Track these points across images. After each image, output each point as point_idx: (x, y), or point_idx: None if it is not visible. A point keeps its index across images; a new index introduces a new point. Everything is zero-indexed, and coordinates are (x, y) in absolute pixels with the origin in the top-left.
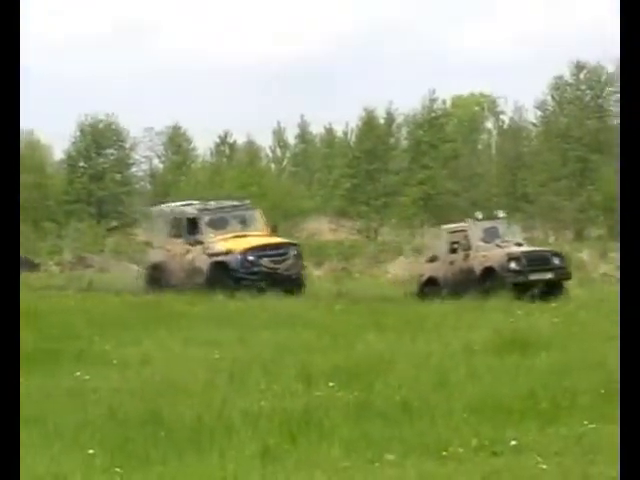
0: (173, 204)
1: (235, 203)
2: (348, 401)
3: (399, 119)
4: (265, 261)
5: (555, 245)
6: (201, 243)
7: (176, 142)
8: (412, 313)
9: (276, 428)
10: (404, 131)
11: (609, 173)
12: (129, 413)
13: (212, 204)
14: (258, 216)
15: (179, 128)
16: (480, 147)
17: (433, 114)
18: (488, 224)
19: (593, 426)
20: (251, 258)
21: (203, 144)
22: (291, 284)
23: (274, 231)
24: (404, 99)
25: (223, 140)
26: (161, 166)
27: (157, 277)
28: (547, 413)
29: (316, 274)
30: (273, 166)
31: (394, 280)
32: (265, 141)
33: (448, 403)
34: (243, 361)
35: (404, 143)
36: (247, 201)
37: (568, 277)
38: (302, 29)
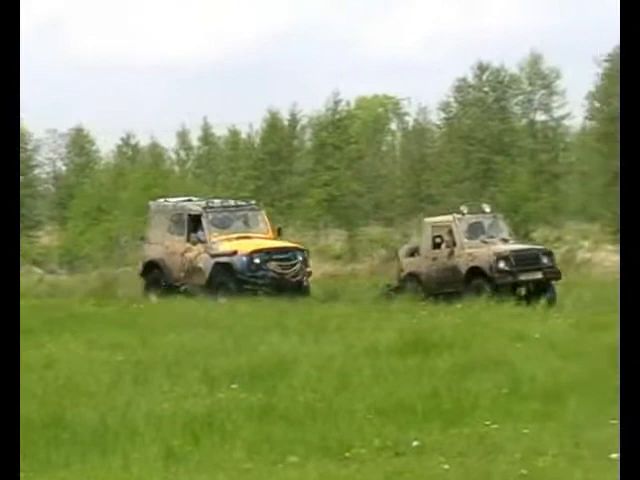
0: (173, 199)
1: (240, 203)
2: (251, 403)
3: (303, 121)
4: (273, 265)
5: None
6: (203, 242)
7: (79, 144)
8: (316, 314)
9: (179, 430)
10: (308, 133)
11: (512, 174)
12: (31, 416)
13: (217, 202)
14: (263, 217)
15: (82, 130)
16: (384, 148)
17: (337, 116)
18: (473, 219)
19: (495, 426)
20: (257, 261)
21: (106, 146)
22: (296, 290)
23: (279, 234)
24: (309, 101)
25: (126, 142)
26: (64, 168)
27: (153, 274)
28: (450, 413)
29: None
30: (177, 168)
31: None
32: (169, 143)
33: (351, 404)
34: (147, 363)
35: (308, 145)
36: (252, 201)
37: (558, 277)
38: (208, 31)
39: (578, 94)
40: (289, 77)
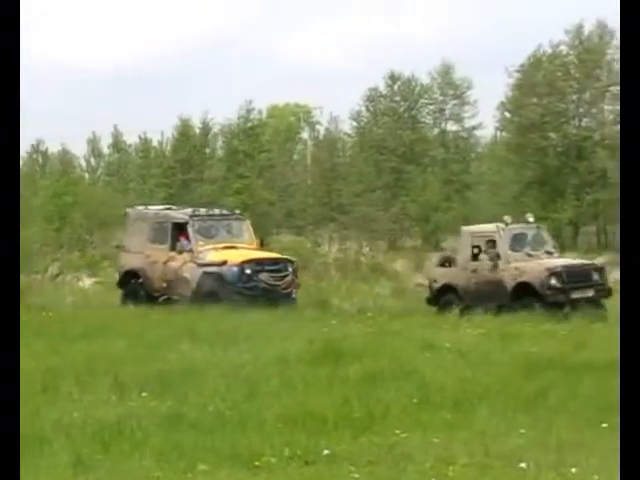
0: (153, 207)
1: (224, 212)
2: (161, 411)
3: (215, 129)
4: (265, 276)
5: (369, 255)
6: (190, 251)
7: None
8: (227, 323)
9: (89, 438)
10: (220, 141)
11: (423, 184)
12: None
13: (202, 210)
14: (247, 227)
15: None
16: (296, 157)
17: (249, 124)
18: (517, 229)
19: (405, 435)
20: (249, 272)
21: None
22: (286, 302)
23: (262, 244)
24: (222, 109)
25: (36, 149)
26: None
27: (131, 285)
28: (360, 422)
29: None
30: (87, 175)
31: None
32: (80, 150)
33: (261, 413)
34: (56, 371)
35: (220, 152)
36: (237, 211)
37: (608, 294)
38: (122, 38)
39: (489, 104)
40: (202, 86)
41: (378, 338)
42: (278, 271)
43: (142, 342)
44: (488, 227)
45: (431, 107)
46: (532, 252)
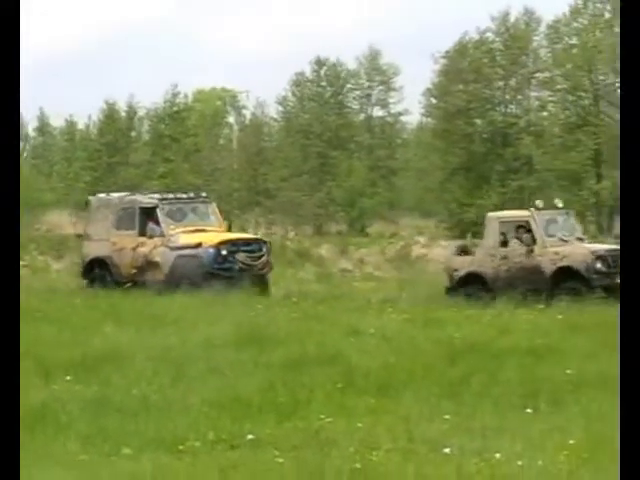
0: (115, 194)
1: (191, 195)
2: (85, 395)
3: (141, 112)
4: (242, 256)
5: (295, 240)
6: (160, 235)
7: None
8: (153, 306)
9: None
10: (146, 125)
11: (349, 169)
12: None
13: (169, 195)
14: (214, 209)
15: None
16: (222, 142)
17: (175, 108)
18: (549, 215)
19: (330, 420)
20: (224, 253)
21: None
22: (260, 282)
23: (230, 228)
24: (148, 93)
25: None
26: None
27: (98, 273)
28: (285, 407)
29: (55, 267)
30: None
31: None
32: None
33: (186, 397)
34: None
35: (146, 136)
36: (203, 193)
37: None
38: (49, 20)
39: (415, 90)
40: (128, 69)
41: (303, 323)
42: (253, 251)
43: (68, 326)
44: (519, 213)
45: (357, 92)
46: (565, 237)
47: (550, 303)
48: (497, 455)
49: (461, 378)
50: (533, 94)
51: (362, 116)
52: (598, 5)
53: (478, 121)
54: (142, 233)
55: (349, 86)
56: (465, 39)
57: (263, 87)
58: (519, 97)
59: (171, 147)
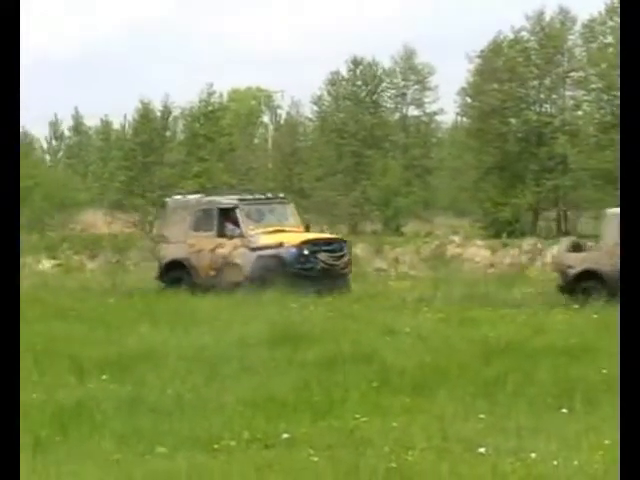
0: (192, 195)
1: (269, 195)
2: (120, 394)
3: (176, 112)
4: (324, 256)
5: None
6: (239, 236)
7: None
8: (186, 306)
9: (47, 420)
10: (181, 124)
11: (384, 168)
12: None
13: (248, 195)
14: (292, 211)
15: None
16: (257, 141)
17: (210, 107)
18: None
19: (365, 419)
20: (306, 252)
21: None
22: (342, 282)
23: (308, 229)
24: (183, 92)
25: None
26: None
27: (176, 275)
28: (320, 406)
29: (90, 267)
30: (48, 157)
31: None
32: (41, 132)
33: (220, 396)
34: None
35: (180, 136)
36: (281, 194)
37: None
38: (84, 20)
39: (450, 90)
40: (165, 69)
41: (338, 322)
42: (334, 251)
43: (103, 325)
44: None
45: (392, 92)
46: None
47: None
48: (532, 455)
49: (496, 378)
50: (568, 93)
51: (397, 115)
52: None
53: (513, 120)
54: (221, 234)
55: (384, 85)
56: (500, 38)
57: (298, 86)
58: (554, 96)
59: (206, 146)
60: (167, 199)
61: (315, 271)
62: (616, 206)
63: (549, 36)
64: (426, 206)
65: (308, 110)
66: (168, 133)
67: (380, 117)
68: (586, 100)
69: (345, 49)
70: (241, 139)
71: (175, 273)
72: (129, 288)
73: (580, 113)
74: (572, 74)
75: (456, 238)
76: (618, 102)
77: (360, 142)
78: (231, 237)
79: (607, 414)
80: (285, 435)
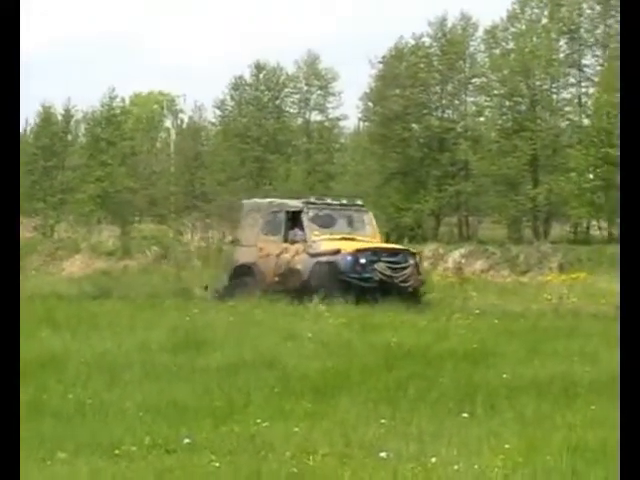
0: (268, 199)
1: (344, 201)
2: (20, 399)
3: (78, 116)
4: (381, 266)
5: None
6: (303, 241)
7: None
8: (87, 311)
9: None
10: (82, 128)
11: (286, 173)
12: None
13: (317, 199)
14: (370, 219)
15: None
16: (159, 145)
17: (112, 112)
18: None
19: (266, 424)
20: (363, 261)
21: None
22: (407, 296)
23: (387, 240)
24: (86, 97)
25: None
26: None
27: (243, 280)
28: (222, 411)
29: None
30: None
31: (70, 277)
32: None
33: (122, 402)
34: None
35: (82, 140)
36: (358, 201)
37: None
38: None
39: (353, 95)
40: (66, 74)
41: (240, 327)
42: (396, 262)
43: None
44: None
45: (296, 97)
46: None
47: None
48: (433, 459)
49: (398, 383)
50: (470, 99)
51: (300, 120)
52: (535, 10)
53: (415, 126)
54: (286, 239)
55: (287, 90)
56: (402, 44)
57: (201, 91)
58: (456, 102)
59: (107, 150)
60: (244, 200)
61: (372, 281)
62: (517, 212)
63: (451, 42)
64: None
65: (211, 114)
66: (70, 137)
67: (283, 122)
68: (488, 106)
69: (249, 54)
70: (143, 143)
71: (242, 277)
72: (29, 294)
73: (482, 119)
74: (474, 80)
75: None
76: (520, 108)
77: (263, 147)
78: (294, 242)
79: (508, 418)
80: (186, 440)
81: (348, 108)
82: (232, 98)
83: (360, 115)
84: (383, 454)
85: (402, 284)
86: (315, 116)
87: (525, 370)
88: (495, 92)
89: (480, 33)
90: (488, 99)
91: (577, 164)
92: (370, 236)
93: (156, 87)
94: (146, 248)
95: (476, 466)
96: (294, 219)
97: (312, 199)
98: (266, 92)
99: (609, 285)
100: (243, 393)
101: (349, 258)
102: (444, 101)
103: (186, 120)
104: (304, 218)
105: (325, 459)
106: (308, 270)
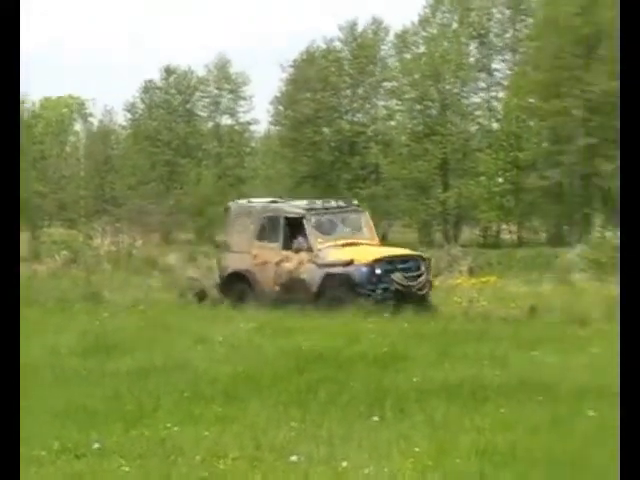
0: (257, 199)
1: (341, 203)
2: None
3: None
4: (398, 276)
5: (143, 249)
6: (308, 250)
7: None
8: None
9: None
10: None
11: (197, 177)
12: None
13: (318, 203)
14: (367, 220)
15: None
16: (68, 149)
17: (22, 116)
18: None
19: (176, 428)
20: (379, 272)
21: None
22: (420, 305)
23: (384, 239)
24: None
25: None
26: None
27: (237, 289)
28: (132, 415)
29: None
30: None
31: None
32: None
33: (31, 406)
34: None
35: None
36: (355, 202)
37: None
38: None
39: (264, 99)
40: None
41: (150, 331)
42: (410, 269)
43: None
44: None
45: (206, 100)
46: None
47: None
48: (344, 463)
49: (309, 387)
50: (381, 103)
51: (211, 124)
52: (446, 15)
53: (326, 130)
54: (287, 246)
55: (198, 94)
56: (313, 48)
57: (112, 95)
58: (367, 106)
59: None
60: (230, 203)
61: (388, 292)
62: (427, 215)
63: (362, 46)
64: None
65: (121, 118)
66: None
67: (194, 126)
68: (399, 110)
69: (159, 57)
70: (53, 147)
71: (237, 286)
72: None
73: (393, 123)
74: (385, 84)
75: None
76: (430, 112)
77: (173, 151)
78: (297, 250)
79: (417, 422)
80: (96, 445)
81: (259, 112)
82: (143, 101)
83: (271, 119)
84: (294, 458)
85: (419, 292)
86: (226, 120)
87: (435, 373)
88: (406, 96)
89: (391, 37)
90: (399, 103)
91: (487, 168)
92: (368, 238)
93: (66, 91)
94: (56, 252)
95: (386, 469)
96: (294, 225)
97: (312, 204)
98: (177, 95)
99: (519, 289)
100: (153, 397)
101: (364, 270)
102: (355, 105)
103: (96, 124)
104: (306, 225)
105: (235, 463)
106: (317, 281)
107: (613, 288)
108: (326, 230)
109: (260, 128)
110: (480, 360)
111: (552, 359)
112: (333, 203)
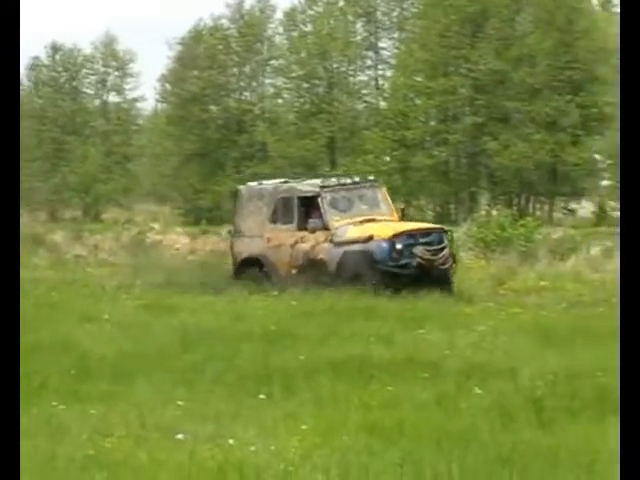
0: (267, 181)
1: (356, 179)
2: None
3: None
4: (420, 250)
5: (29, 226)
6: (325, 229)
7: None
8: None
9: None
10: None
11: (83, 155)
12: None
13: (332, 180)
14: (384, 196)
15: None
16: None
17: None
18: None
19: (63, 407)
20: (400, 247)
21: None
22: (442, 280)
23: (403, 215)
24: None
25: None
26: None
27: (252, 273)
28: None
29: None
30: None
31: None
32: None
33: None
34: None
35: None
36: (371, 177)
37: None
38: None
39: (151, 77)
40: None
41: (35, 309)
42: (432, 243)
43: None
44: None
45: (93, 78)
46: None
47: None
48: (230, 441)
49: (195, 365)
50: (268, 81)
51: (97, 102)
52: None
53: (213, 108)
54: (302, 227)
55: (85, 71)
56: (200, 25)
57: None
58: (254, 84)
59: None
60: (240, 186)
61: (410, 268)
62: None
63: (249, 24)
64: (126, 193)
65: None
66: None
67: (80, 103)
68: (286, 88)
69: (45, 33)
70: None
71: (252, 271)
72: None
73: (280, 101)
74: (272, 62)
75: (156, 225)
76: (317, 90)
77: (60, 128)
78: (313, 230)
79: (304, 400)
80: None
81: (146, 90)
82: (28, 79)
83: (158, 97)
84: (180, 436)
85: (441, 267)
86: (112, 97)
87: (322, 351)
88: (293, 74)
89: (279, 15)
90: (286, 81)
91: (374, 146)
92: (387, 214)
93: None
94: None
95: (273, 447)
96: (308, 204)
97: (326, 181)
98: (63, 73)
99: None
100: (40, 375)
101: (384, 245)
102: (242, 83)
103: None
104: (321, 203)
105: (121, 441)
106: (335, 261)
107: (498, 265)
108: (342, 208)
109: (147, 106)
110: (367, 338)
111: (438, 337)
112: (348, 180)
